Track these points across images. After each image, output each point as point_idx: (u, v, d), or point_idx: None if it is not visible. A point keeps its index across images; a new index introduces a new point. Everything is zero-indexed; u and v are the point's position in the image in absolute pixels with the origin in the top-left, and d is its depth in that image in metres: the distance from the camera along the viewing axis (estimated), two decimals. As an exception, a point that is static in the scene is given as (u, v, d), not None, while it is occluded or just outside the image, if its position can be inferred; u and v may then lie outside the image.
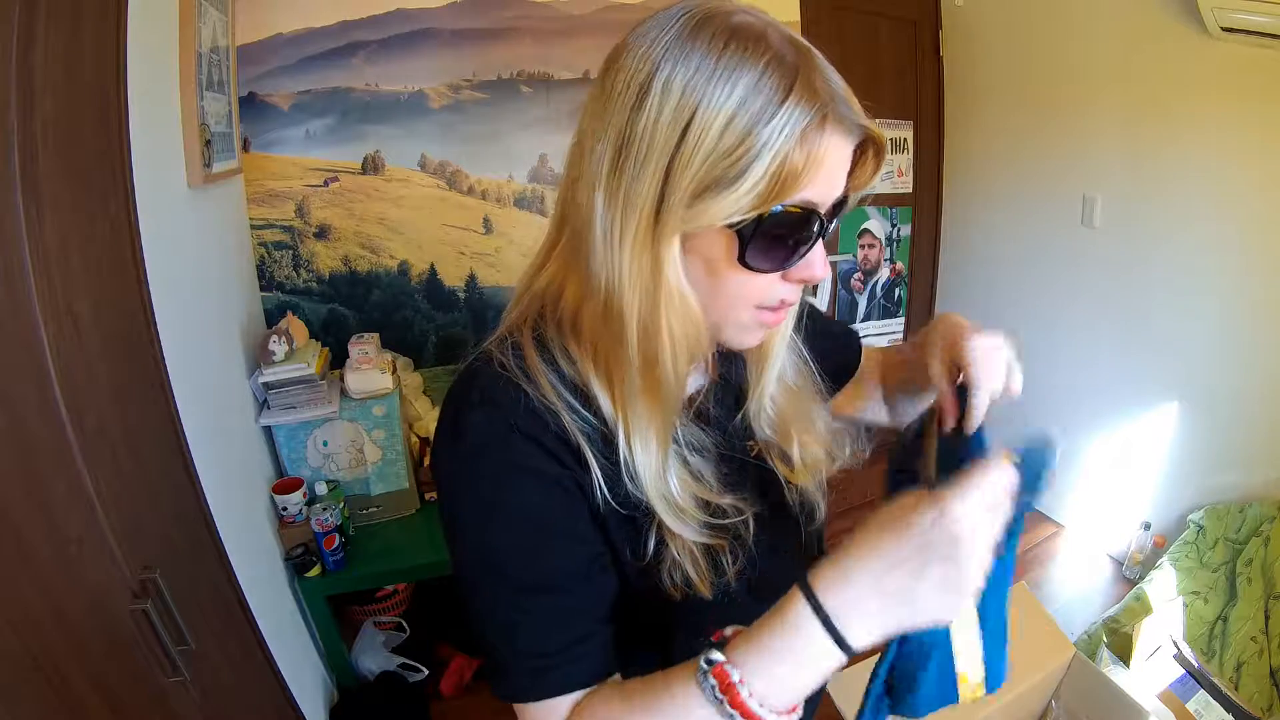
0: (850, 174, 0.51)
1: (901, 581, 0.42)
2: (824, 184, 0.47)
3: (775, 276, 0.51)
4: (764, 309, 0.53)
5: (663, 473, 0.53)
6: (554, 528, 0.52)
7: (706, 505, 0.56)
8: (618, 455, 0.53)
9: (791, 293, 0.53)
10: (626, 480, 0.52)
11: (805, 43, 0.48)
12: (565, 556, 0.53)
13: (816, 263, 0.51)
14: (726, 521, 0.56)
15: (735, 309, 0.52)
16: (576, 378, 0.54)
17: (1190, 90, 1.99)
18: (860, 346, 0.83)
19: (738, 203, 0.45)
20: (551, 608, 0.52)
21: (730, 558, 0.56)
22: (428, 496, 1.92)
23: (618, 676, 0.54)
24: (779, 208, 0.46)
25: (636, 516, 0.54)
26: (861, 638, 0.43)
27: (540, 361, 0.53)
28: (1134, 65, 2.12)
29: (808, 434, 0.65)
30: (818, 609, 0.43)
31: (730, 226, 0.47)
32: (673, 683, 0.47)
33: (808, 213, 0.48)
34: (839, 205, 0.51)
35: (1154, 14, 2.01)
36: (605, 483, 0.52)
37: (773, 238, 0.48)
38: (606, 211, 0.48)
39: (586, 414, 0.53)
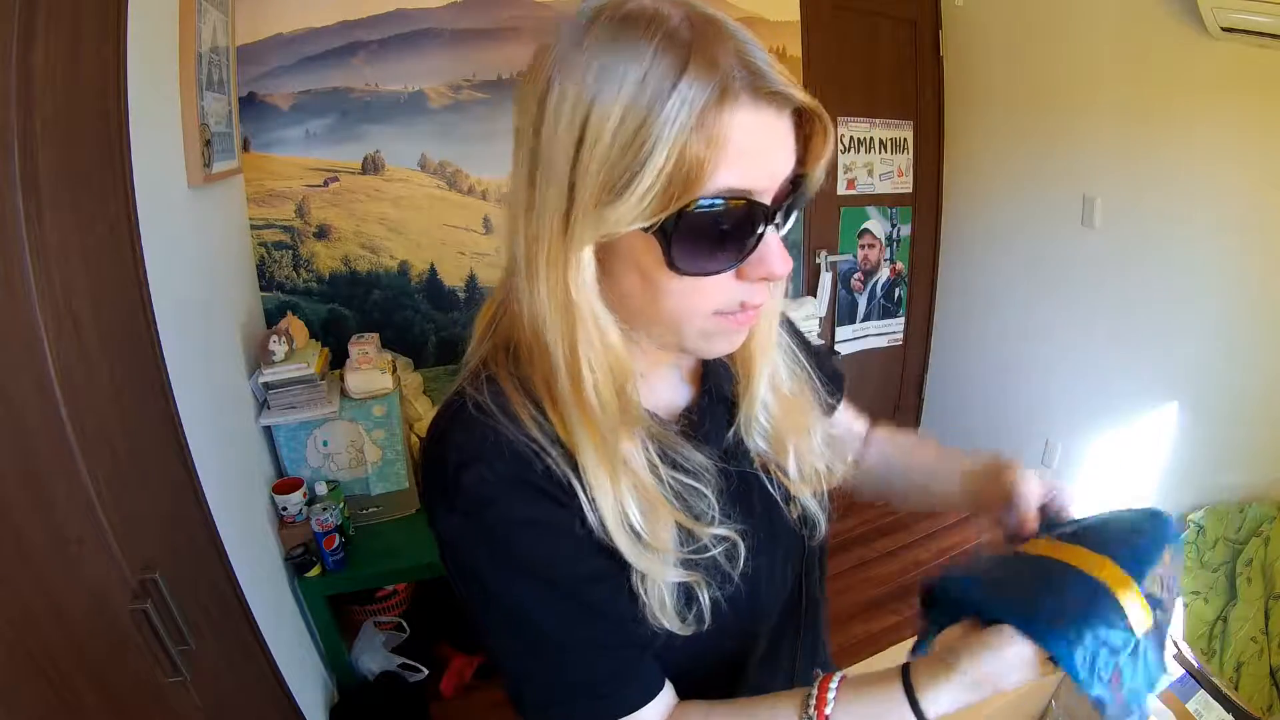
0: (804, 150, 0.47)
1: (988, 688, 0.46)
2: (749, 166, 0.42)
3: (727, 277, 0.46)
4: (723, 314, 0.48)
5: (619, 507, 0.49)
6: (567, 574, 0.50)
7: (690, 536, 0.52)
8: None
9: (752, 293, 0.48)
10: (593, 521, 0.49)
11: (713, 13, 0.43)
12: (588, 595, 0.51)
13: (771, 257, 0.46)
14: (704, 556, 0.52)
15: (689, 318, 0.48)
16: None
17: (1190, 90, 1.99)
18: (840, 368, 0.78)
19: (641, 203, 0.41)
20: (590, 642, 0.51)
21: (711, 590, 0.52)
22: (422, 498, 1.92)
23: (670, 687, 0.55)
24: (705, 201, 0.42)
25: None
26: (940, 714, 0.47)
27: (520, 395, 0.50)
28: (1134, 65, 2.12)
29: (804, 445, 0.62)
30: (914, 707, 0.47)
31: (647, 230, 0.43)
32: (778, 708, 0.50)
33: (741, 202, 0.43)
34: (794, 188, 0.46)
35: (1154, 14, 2.01)
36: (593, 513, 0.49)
37: (701, 235, 0.43)
38: (523, 234, 0.46)
39: (563, 448, 0.50)
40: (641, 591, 0.50)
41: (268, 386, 1.62)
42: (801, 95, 0.43)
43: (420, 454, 0.55)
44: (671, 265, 0.44)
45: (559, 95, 0.42)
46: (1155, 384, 2.24)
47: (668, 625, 0.51)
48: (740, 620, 0.56)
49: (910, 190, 2.87)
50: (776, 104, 0.43)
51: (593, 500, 0.49)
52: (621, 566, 0.51)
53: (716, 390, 0.60)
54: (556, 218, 0.44)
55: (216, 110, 1.54)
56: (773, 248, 0.46)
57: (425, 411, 2.09)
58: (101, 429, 0.89)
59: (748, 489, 0.59)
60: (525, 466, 0.48)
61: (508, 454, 0.48)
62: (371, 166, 2.05)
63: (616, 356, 0.48)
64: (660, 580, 0.50)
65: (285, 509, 1.62)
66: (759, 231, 0.45)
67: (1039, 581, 0.49)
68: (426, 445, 0.53)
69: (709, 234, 0.44)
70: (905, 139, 2.78)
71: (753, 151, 0.42)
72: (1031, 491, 0.58)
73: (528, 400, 0.50)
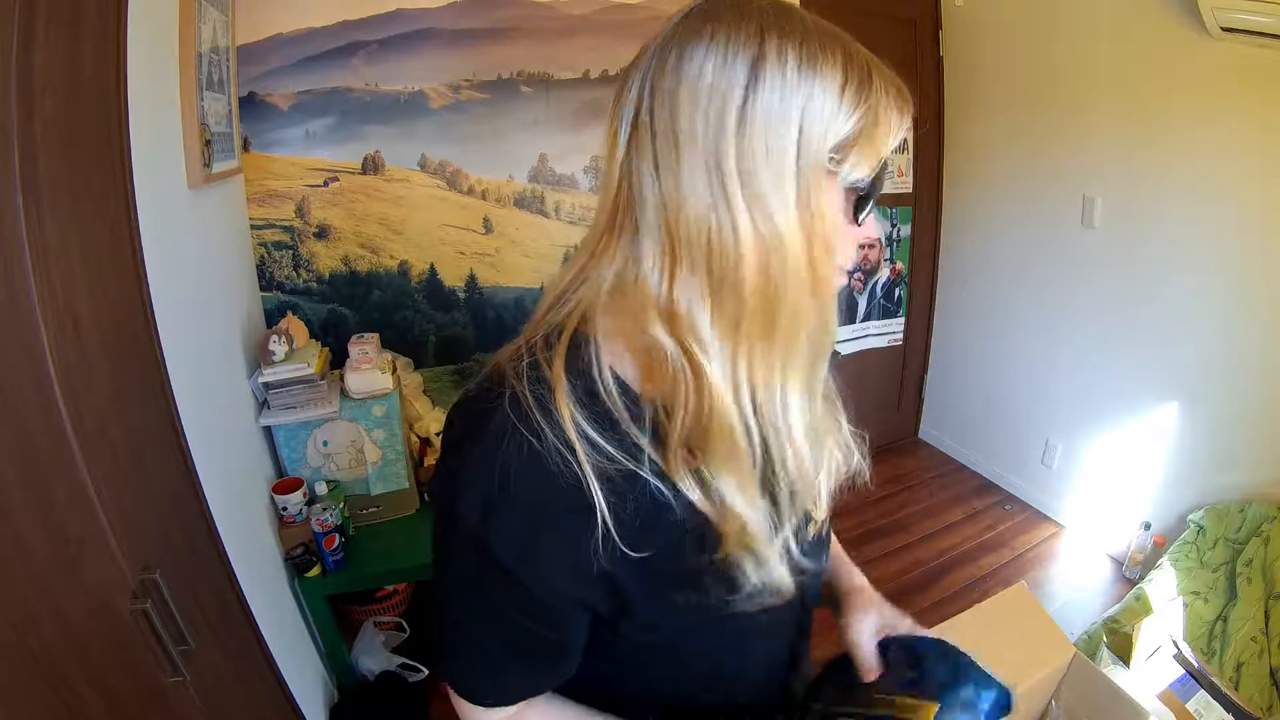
0: None
1: None
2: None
3: (854, 235, 0.54)
4: (841, 272, 0.55)
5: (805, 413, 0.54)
6: (558, 596, 0.53)
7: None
8: (641, 488, 0.51)
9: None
10: (604, 538, 0.50)
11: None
12: (560, 615, 0.55)
13: (872, 221, 0.55)
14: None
15: (839, 273, 0.54)
16: (627, 380, 0.53)
17: (1190, 90, 1.99)
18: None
19: (865, 160, 0.49)
20: (531, 635, 0.55)
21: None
22: (427, 496, 1.92)
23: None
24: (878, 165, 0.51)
25: (650, 558, 0.52)
26: None
27: (567, 381, 0.50)
28: (1134, 65, 2.12)
29: (831, 437, 0.63)
30: None
31: (853, 187, 0.50)
32: None
33: (881, 168, 0.52)
34: None
35: (1154, 14, 2.02)
36: (618, 530, 0.50)
37: (872, 193, 0.52)
38: (742, 174, 0.47)
39: (623, 433, 0.51)
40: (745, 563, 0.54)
41: (268, 386, 1.62)
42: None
43: (444, 445, 0.55)
44: (856, 218, 0.53)
45: (778, 55, 0.46)
46: (1155, 384, 2.24)
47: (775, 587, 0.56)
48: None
49: (910, 190, 2.87)
50: None
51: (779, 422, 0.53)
52: (616, 593, 0.54)
53: None
54: (789, 163, 0.47)
55: (216, 110, 1.54)
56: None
57: (425, 411, 2.09)
58: (101, 429, 0.89)
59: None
60: (551, 485, 0.49)
61: (534, 475, 0.49)
62: (371, 166, 2.05)
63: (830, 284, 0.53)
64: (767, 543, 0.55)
65: (285, 509, 1.62)
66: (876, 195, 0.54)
67: None
68: (452, 441, 0.54)
69: (870, 194, 0.52)
70: (905, 139, 2.78)
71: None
72: (865, 644, 0.67)
73: (581, 381, 0.51)
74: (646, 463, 0.51)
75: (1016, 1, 2.47)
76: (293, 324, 1.75)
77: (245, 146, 1.88)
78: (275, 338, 1.62)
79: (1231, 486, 2.04)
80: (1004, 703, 0.60)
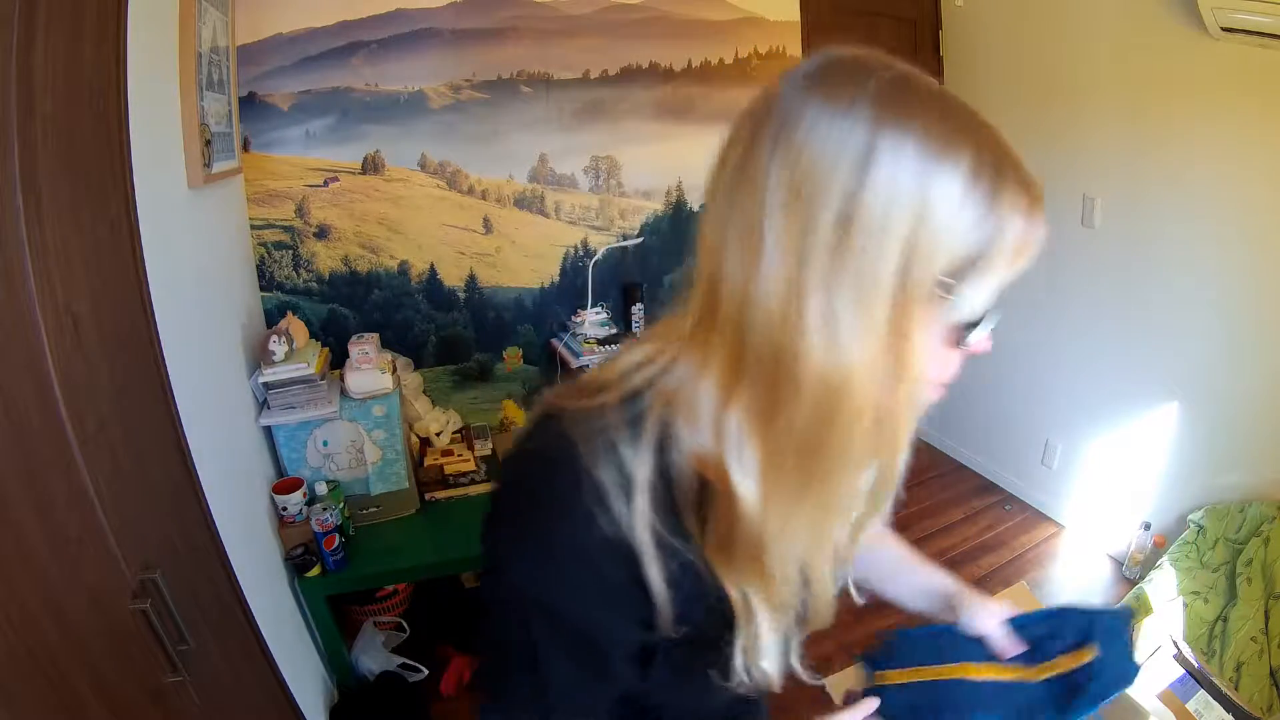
0: None
1: None
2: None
3: (956, 355, 0.48)
4: (940, 386, 0.49)
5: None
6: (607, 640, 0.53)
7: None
8: (692, 571, 0.51)
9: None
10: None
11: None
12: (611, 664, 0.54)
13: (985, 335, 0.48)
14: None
15: (933, 389, 0.49)
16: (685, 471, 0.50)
17: (1190, 90, 1.98)
18: None
19: (983, 287, 0.42)
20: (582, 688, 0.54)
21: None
22: (428, 496, 1.92)
23: None
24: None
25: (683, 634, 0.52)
26: None
27: (655, 474, 0.48)
28: (1134, 65, 2.12)
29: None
30: None
31: (961, 319, 0.44)
32: None
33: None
34: None
35: (1154, 14, 2.01)
36: (668, 610, 0.50)
37: (986, 315, 0.45)
38: (826, 288, 0.40)
39: (686, 520, 0.50)
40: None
41: (268, 386, 1.62)
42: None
43: (505, 503, 0.54)
44: (959, 341, 0.45)
45: (893, 154, 0.39)
46: (1155, 384, 2.24)
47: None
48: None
49: (910, 190, 2.88)
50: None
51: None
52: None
53: None
54: (888, 279, 0.40)
55: (216, 110, 1.54)
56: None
57: (425, 411, 2.09)
58: (101, 429, 0.89)
59: None
60: (618, 572, 0.48)
61: (604, 560, 0.48)
62: (371, 166, 2.06)
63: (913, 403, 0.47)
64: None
65: (285, 509, 1.62)
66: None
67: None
68: (516, 508, 0.52)
69: (987, 316, 0.45)
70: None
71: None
72: (999, 629, 0.65)
73: (671, 472, 0.49)
74: (697, 549, 0.51)
75: (1016, 1, 2.47)
76: (293, 324, 1.75)
77: (245, 146, 1.88)
78: (275, 338, 1.62)
79: (1231, 486, 2.04)
80: (1126, 614, 0.65)
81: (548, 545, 0.48)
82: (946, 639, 0.66)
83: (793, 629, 0.57)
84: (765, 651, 0.54)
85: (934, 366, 0.46)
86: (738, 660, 0.54)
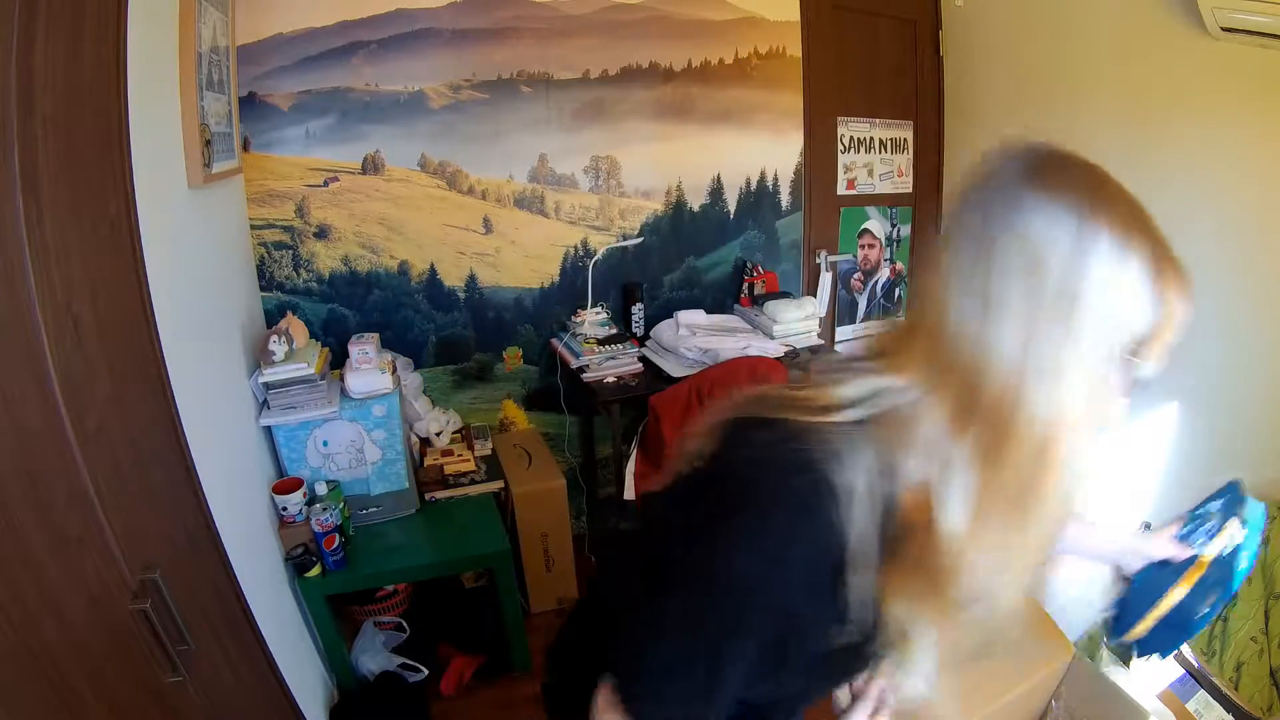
0: None
1: None
2: None
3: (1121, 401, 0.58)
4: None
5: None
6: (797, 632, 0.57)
7: None
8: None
9: None
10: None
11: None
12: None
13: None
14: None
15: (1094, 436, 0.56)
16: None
17: (1190, 90, 1.98)
18: None
19: (1158, 354, 0.54)
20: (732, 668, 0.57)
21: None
22: (428, 496, 1.92)
23: None
24: None
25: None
26: None
27: (868, 492, 0.54)
28: (1134, 65, 2.12)
29: None
30: None
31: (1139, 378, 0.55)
32: None
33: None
34: None
35: (1154, 14, 2.01)
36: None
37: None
38: (1053, 350, 0.50)
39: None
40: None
41: (268, 386, 1.62)
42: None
43: (735, 487, 0.57)
44: (1129, 393, 0.56)
45: (1093, 238, 0.50)
46: (1155, 384, 2.23)
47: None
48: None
49: (910, 190, 2.87)
50: None
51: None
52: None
53: None
54: (1091, 345, 0.51)
55: (216, 110, 1.54)
56: None
57: (425, 411, 2.09)
58: (101, 429, 0.89)
59: None
60: (827, 565, 0.54)
61: (821, 552, 0.54)
62: (371, 166, 2.06)
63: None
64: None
65: (285, 509, 1.62)
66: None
67: None
68: (754, 496, 0.55)
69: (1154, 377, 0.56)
70: (905, 139, 2.78)
71: None
72: (1171, 548, 0.90)
73: (895, 494, 0.56)
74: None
75: (1016, 1, 2.47)
76: (293, 324, 1.75)
77: (245, 146, 1.88)
78: (275, 338, 1.62)
79: (1231, 486, 2.04)
80: (1237, 494, 0.92)
81: (786, 540, 0.54)
82: (1150, 578, 0.87)
83: (956, 652, 0.61)
84: (916, 668, 0.60)
85: (1107, 414, 0.56)
86: (893, 674, 0.61)
